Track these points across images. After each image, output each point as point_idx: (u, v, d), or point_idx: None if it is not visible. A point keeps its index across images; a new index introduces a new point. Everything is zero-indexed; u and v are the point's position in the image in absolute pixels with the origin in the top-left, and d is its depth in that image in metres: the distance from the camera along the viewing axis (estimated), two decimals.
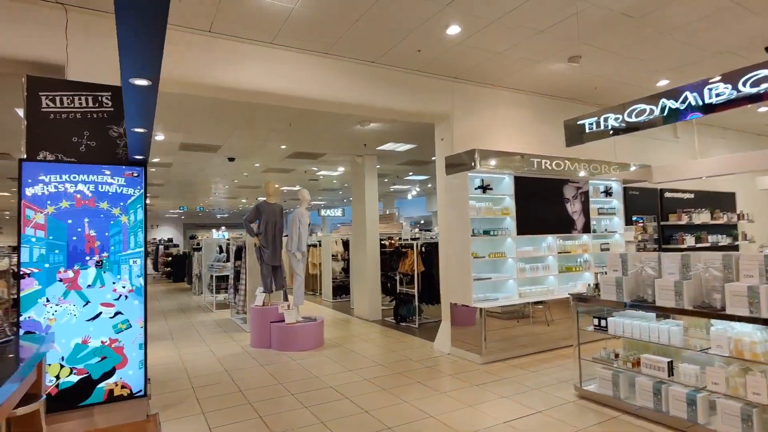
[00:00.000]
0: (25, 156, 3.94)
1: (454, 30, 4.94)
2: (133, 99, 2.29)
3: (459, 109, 6.47)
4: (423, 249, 8.19)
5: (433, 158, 6.86)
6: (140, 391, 4.12)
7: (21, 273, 3.78)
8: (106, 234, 4.08)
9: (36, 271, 3.83)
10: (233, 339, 7.48)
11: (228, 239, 12.14)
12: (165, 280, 19.90)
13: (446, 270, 6.39)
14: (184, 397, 4.70)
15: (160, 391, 4.91)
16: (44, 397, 2.69)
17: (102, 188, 4.09)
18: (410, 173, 13.84)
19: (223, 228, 29.32)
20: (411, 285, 8.34)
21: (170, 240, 28.50)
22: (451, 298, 6.15)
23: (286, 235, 7.41)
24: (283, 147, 9.22)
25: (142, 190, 4.24)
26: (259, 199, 18.76)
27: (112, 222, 4.11)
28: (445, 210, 6.42)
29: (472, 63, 5.89)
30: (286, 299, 7.28)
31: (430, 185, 16.93)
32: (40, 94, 4.03)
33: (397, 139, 8.71)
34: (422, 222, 25.00)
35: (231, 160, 10.45)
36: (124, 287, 4.11)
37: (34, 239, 3.84)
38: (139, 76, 1.95)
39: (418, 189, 18.67)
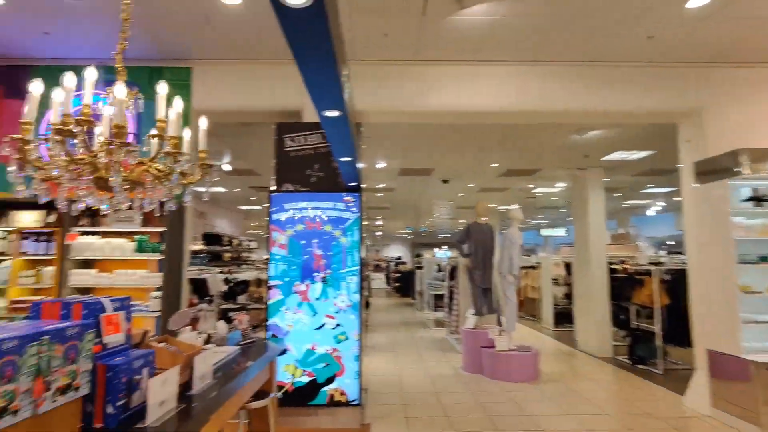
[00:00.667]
0: (274, 188, 4.81)
1: (698, 1, 3.91)
2: (331, 129, 2.50)
3: (712, 101, 5.10)
4: (667, 277, 6.69)
5: (678, 166, 5.55)
6: (355, 399, 4.44)
7: (269, 285, 4.59)
8: (329, 253, 4.60)
9: (279, 283, 4.59)
10: (446, 359, 7.52)
11: (448, 258, 12.52)
12: (394, 294, 21.85)
13: (700, 305, 5.01)
14: (394, 412, 4.88)
15: (375, 401, 5.22)
16: (273, 395, 3.11)
17: (327, 213, 4.65)
18: (649, 185, 11.72)
19: (444, 247, 30.66)
20: (650, 319, 6.89)
21: (399, 258, 31.34)
22: (709, 343, 4.76)
23: None
24: (495, 165, 9.00)
25: (358, 214, 4.65)
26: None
27: (333, 243, 4.62)
28: (694, 229, 5.08)
29: (729, 39, 4.56)
30: (499, 323, 6.94)
31: (677, 198, 13.99)
32: (284, 136, 4.88)
33: (626, 147, 7.46)
34: (671, 243, 20.86)
35: (445, 182, 10.79)
36: (342, 302, 4.55)
37: (278, 257, 4.62)
38: (328, 108, 2.11)
39: (663, 203, 15.67)
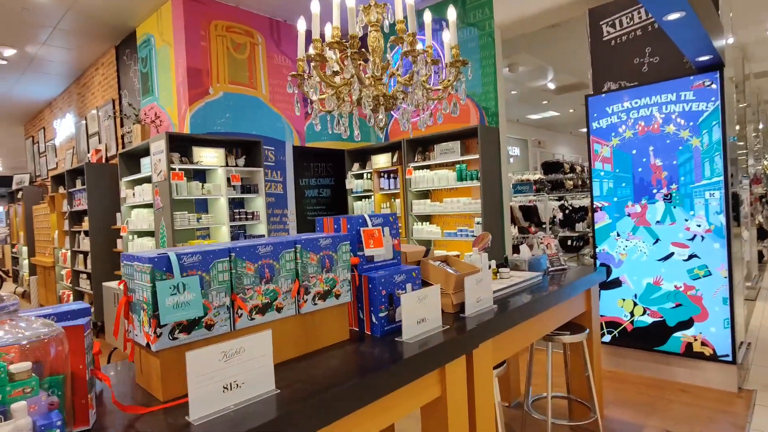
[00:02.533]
0: (591, 91, 3.97)
1: None
2: None
3: None
4: None
5: None
6: (727, 355, 3.29)
7: (594, 207, 3.91)
8: (674, 162, 3.46)
9: (606, 204, 3.83)
10: None
11: None
12: None
13: None
14: None
15: (763, 363, 3.76)
16: (588, 330, 2.62)
17: (666, 109, 3.48)
18: None
19: None
20: None
21: None
22: None
23: None
24: None
25: (717, 102, 3.25)
26: None
27: (680, 148, 3.43)
28: None
29: None
30: None
31: None
32: (601, 23, 3.90)
33: None
34: None
35: None
36: (699, 226, 3.37)
37: (602, 173, 3.84)
38: None
39: None
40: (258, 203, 4.89)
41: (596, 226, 3.89)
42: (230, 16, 5.06)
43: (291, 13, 5.29)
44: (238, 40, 5.12)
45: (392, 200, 5.52)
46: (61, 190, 6.85)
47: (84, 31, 5.78)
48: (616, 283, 3.76)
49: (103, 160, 6.43)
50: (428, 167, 5.23)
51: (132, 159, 5.09)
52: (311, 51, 1.84)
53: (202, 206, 4.76)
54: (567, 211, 7.28)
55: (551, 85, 7.96)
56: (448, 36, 2.15)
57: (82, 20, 5.44)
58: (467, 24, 5.00)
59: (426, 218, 5.33)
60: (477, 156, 4.60)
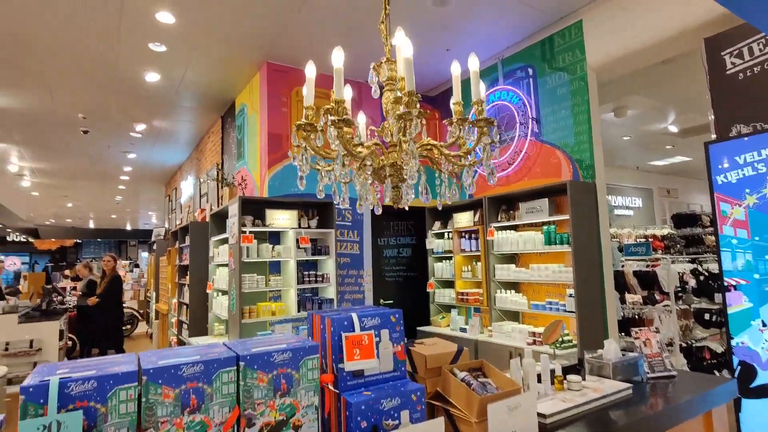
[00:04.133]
0: (713, 136, 3.16)
1: None
2: None
3: None
4: None
5: None
6: None
7: (726, 284, 2.99)
8: None
9: (743, 282, 2.91)
10: None
11: None
12: None
13: None
14: None
15: None
16: None
17: None
18: None
19: None
20: None
21: None
22: None
23: None
24: None
25: None
26: None
27: None
28: None
29: None
30: None
31: None
32: (723, 54, 3.14)
33: None
34: None
35: None
36: None
37: (734, 241, 2.95)
38: None
39: None
40: (329, 265, 4.75)
41: (730, 311, 2.95)
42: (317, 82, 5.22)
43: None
44: (318, 104, 5.24)
45: (473, 263, 4.99)
46: (178, 245, 7.57)
47: (197, 106, 6.48)
48: (764, 392, 2.75)
49: (206, 219, 6.98)
50: (513, 228, 4.65)
51: (221, 219, 5.38)
52: (303, 120, 1.61)
53: (276, 268, 4.77)
54: (702, 277, 5.94)
55: (673, 128, 6.83)
56: (482, 89, 1.76)
57: (194, 97, 6.10)
58: (555, 69, 4.48)
59: (511, 285, 4.69)
60: (567, 216, 3.94)
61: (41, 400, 0.97)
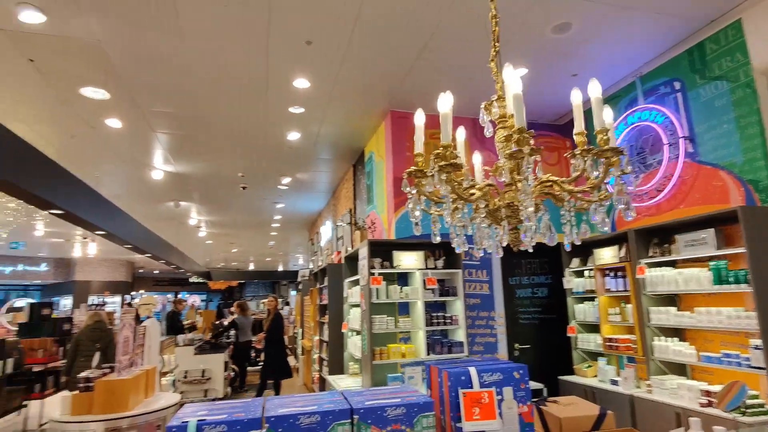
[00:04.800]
0: None
1: None
2: None
3: None
4: None
5: None
6: None
7: None
8: None
9: None
10: None
11: None
12: None
13: None
14: None
15: None
16: None
17: None
18: None
19: None
20: None
21: None
22: None
23: None
24: None
25: None
26: None
27: None
28: None
29: None
30: None
31: None
32: None
33: None
34: None
35: None
36: None
37: None
38: None
39: None
40: (457, 306, 4.63)
41: None
42: (433, 124, 5.33)
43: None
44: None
45: (622, 305, 4.39)
46: (318, 285, 8.18)
47: (332, 157, 7.10)
48: None
49: (342, 261, 7.43)
50: (669, 264, 4.01)
51: (353, 262, 5.67)
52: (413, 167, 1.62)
53: (404, 309, 4.81)
54: None
55: None
56: (609, 115, 1.59)
57: (329, 149, 6.70)
58: (710, 79, 3.89)
59: (673, 332, 3.99)
60: (743, 249, 3.26)
61: None
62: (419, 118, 1.77)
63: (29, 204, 5.68)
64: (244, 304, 9.24)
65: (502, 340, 5.00)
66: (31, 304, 6.93)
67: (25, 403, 5.55)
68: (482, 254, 1.76)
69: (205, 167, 7.38)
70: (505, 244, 1.60)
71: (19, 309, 10.10)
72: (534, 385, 4.44)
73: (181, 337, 7.95)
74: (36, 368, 6.01)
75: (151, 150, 6.54)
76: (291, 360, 13.18)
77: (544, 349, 5.17)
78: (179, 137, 6.09)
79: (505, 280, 5.20)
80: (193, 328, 11.48)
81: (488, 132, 1.80)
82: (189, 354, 7.06)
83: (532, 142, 1.36)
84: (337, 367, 6.20)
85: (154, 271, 22.50)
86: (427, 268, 4.69)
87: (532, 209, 1.34)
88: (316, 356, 7.86)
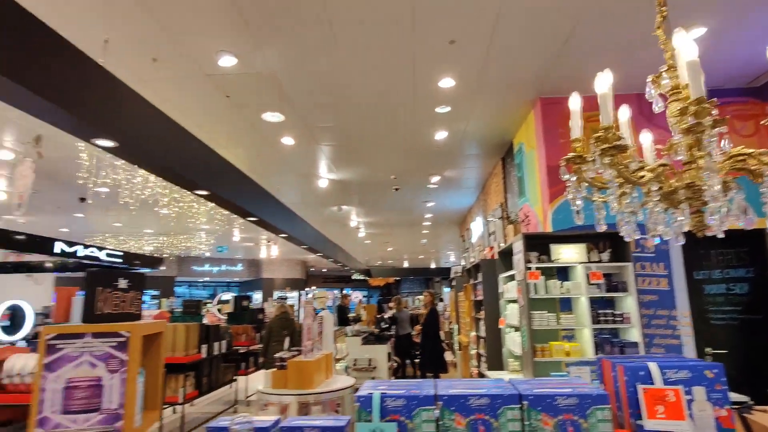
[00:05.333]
0: None
1: None
2: None
3: None
4: None
5: None
6: None
7: None
8: None
9: None
10: None
11: None
12: None
13: None
14: None
15: None
16: None
17: None
18: None
19: None
20: None
21: None
22: None
23: None
24: None
25: None
26: None
27: None
28: None
29: None
30: None
31: None
32: None
33: None
34: None
35: None
36: None
37: None
38: None
39: None
40: (628, 303, 4.19)
41: None
42: (590, 106, 4.93)
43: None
44: (596, 127, 4.87)
45: None
46: (472, 281, 8.20)
47: (479, 152, 7.07)
48: None
49: (495, 257, 7.31)
50: None
51: (507, 257, 5.55)
52: (571, 154, 1.57)
53: (566, 305, 4.54)
54: None
55: None
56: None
57: (476, 144, 6.69)
58: None
59: None
60: None
61: (368, 409, 1.25)
62: (574, 102, 1.70)
63: (233, 213, 6.91)
64: (399, 299, 9.76)
65: (688, 342, 4.36)
66: (235, 297, 8.40)
67: (234, 378, 6.78)
68: (657, 242, 1.61)
69: (362, 173, 8.01)
70: (686, 229, 1.44)
71: (226, 301, 12.33)
72: (735, 396, 3.77)
73: (349, 328, 8.75)
74: (241, 350, 7.27)
75: (316, 161, 7.37)
76: (448, 355, 13.42)
77: (746, 355, 4.35)
78: (339, 148, 6.74)
79: (688, 274, 4.52)
80: (357, 320, 12.51)
81: (657, 107, 1.64)
82: (357, 344, 7.73)
83: (714, 112, 1.21)
84: (496, 363, 6.14)
85: (323, 270, 25.13)
86: (590, 262, 4.36)
87: (719, 187, 1.19)
88: (473, 352, 7.88)
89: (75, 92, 3.03)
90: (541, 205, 5.12)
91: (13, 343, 6.93)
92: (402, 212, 11.59)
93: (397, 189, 9.13)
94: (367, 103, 5.24)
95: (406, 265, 25.14)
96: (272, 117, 5.49)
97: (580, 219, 1.69)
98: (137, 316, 1.70)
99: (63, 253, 8.30)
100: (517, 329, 5.11)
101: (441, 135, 6.27)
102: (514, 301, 5.23)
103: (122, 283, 1.57)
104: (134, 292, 1.65)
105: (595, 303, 4.27)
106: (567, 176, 1.61)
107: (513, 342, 5.05)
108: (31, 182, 3.95)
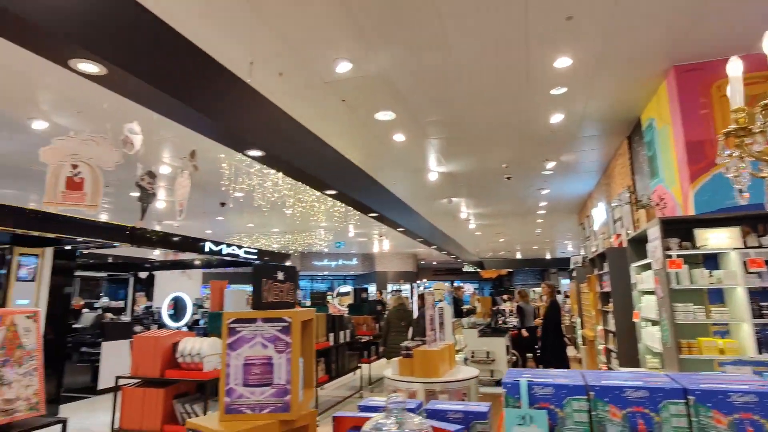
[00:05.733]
0: None
1: None
2: None
3: None
4: None
5: None
6: None
7: None
8: None
9: None
10: None
11: None
12: None
13: None
14: None
15: None
16: None
17: None
18: None
19: None
20: None
21: None
22: None
23: None
24: None
25: None
26: None
27: None
28: None
29: None
30: None
31: None
32: None
33: None
34: None
35: None
36: None
37: None
38: None
39: None
40: None
41: None
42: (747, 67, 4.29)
43: None
44: (753, 92, 4.20)
45: None
46: (596, 271, 7.65)
47: (600, 133, 6.55)
48: None
49: (623, 245, 6.72)
50: None
51: (639, 244, 5.08)
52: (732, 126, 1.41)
53: (717, 297, 4.03)
54: None
55: None
56: None
57: (596, 125, 6.22)
58: None
59: None
60: None
61: (516, 395, 1.28)
62: (734, 68, 1.52)
63: (356, 210, 7.32)
64: (523, 291, 9.52)
65: None
66: (355, 289, 8.88)
67: (359, 365, 7.19)
68: None
69: (472, 163, 7.91)
70: None
71: (345, 294, 13.10)
72: None
73: (465, 320, 8.74)
74: (363, 339, 7.68)
75: (426, 155, 7.45)
76: (571, 350, 12.68)
77: None
78: (448, 140, 6.74)
79: None
80: (471, 312, 12.41)
81: None
82: (474, 336, 7.69)
83: None
84: (630, 360, 5.68)
85: (433, 263, 25.31)
86: (746, 247, 3.81)
87: None
88: (600, 347, 7.36)
89: (231, 110, 3.49)
90: (679, 185, 4.59)
91: (179, 329, 8.18)
92: (514, 201, 11.20)
93: (509, 178, 8.85)
94: (477, 91, 5.16)
95: (518, 256, 24.21)
96: (384, 116, 5.69)
97: (745, 199, 1.52)
98: (293, 305, 1.90)
99: (211, 252, 9.54)
100: (655, 323, 4.67)
101: (557, 118, 5.93)
102: (651, 293, 4.78)
103: (280, 275, 1.79)
104: (289, 283, 1.87)
105: (756, 294, 3.73)
106: (727, 152, 1.46)
107: (651, 337, 4.63)
108: (188, 191, 4.62)
